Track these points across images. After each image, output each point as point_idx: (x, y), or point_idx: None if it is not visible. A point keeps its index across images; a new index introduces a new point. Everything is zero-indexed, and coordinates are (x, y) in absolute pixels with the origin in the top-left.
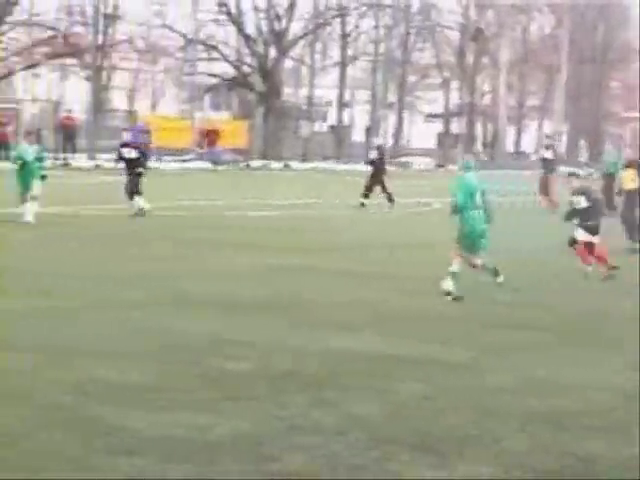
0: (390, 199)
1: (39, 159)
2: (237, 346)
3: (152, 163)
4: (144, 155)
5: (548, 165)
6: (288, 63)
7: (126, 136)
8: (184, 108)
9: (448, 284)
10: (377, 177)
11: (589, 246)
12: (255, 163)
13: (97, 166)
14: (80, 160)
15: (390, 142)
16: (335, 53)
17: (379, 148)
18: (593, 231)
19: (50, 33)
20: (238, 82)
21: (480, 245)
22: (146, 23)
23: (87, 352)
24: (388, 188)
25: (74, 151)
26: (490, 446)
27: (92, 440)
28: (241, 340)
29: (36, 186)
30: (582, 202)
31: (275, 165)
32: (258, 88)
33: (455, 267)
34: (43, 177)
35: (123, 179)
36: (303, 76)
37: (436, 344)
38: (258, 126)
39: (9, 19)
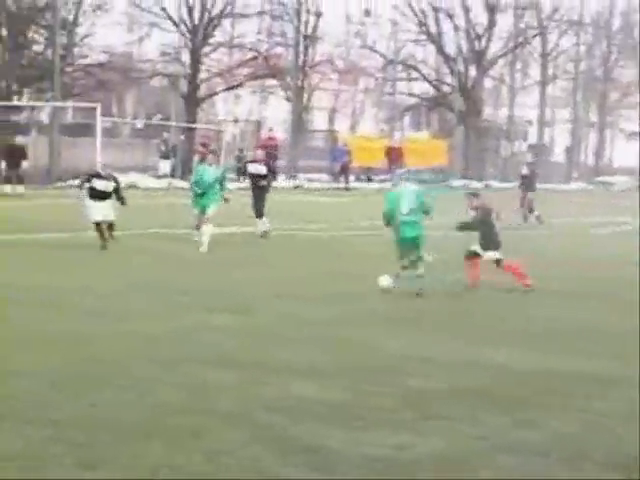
0: (530, 215)
1: (221, 180)
2: (425, 363)
3: (353, 183)
4: (271, 171)
5: None
6: (488, 82)
7: (258, 153)
8: (383, 128)
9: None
10: (526, 193)
11: (497, 262)
12: (456, 182)
13: (297, 186)
14: (280, 180)
15: (591, 161)
16: (535, 72)
17: (530, 165)
18: (488, 247)
19: (251, 54)
20: (438, 101)
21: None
22: (346, 44)
23: (284, 368)
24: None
25: (274, 172)
26: None
27: (291, 457)
28: (430, 357)
29: (212, 209)
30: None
31: (476, 184)
32: (458, 107)
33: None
34: (225, 200)
35: (321, 199)
36: (503, 95)
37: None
38: (458, 145)
39: (211, 40)
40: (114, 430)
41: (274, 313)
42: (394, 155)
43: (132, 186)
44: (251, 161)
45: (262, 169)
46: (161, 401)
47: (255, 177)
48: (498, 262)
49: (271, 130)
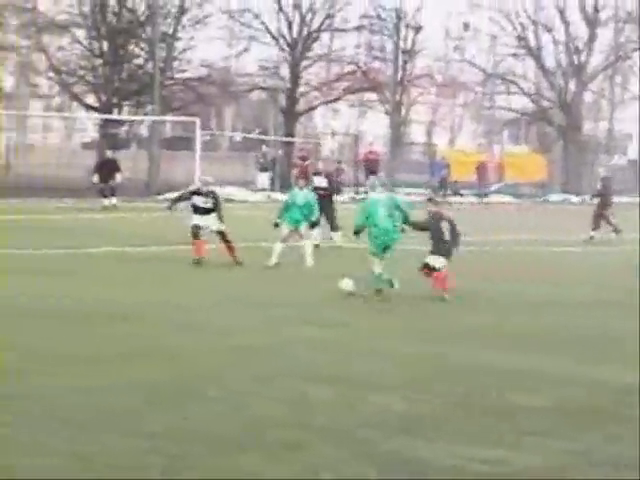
0: (616, 230)
1: (308, 205)
2: (528, 378)
3: (452, 198)
4: (333, 185)
5: None
6: (588, 96)
7: (321, 165)
8: (482, 142)
9: None
10: (601, 209)
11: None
12: (554, 197)
13: None
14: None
15: None
16: (635, 86)
17: (605, 180)
18: (436, 252)
19: (349, 68)
20: (537, 116)
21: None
22: (445, 58)
23: (376, 382)
24: (612, 220)
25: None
26: None
27: (392, 472)
28: (521, 371)
29: (304, 225)
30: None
31: (575, 199)
32: (557, 122)
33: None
34: (313, 224)
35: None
36: (603, 109)
37: None
38: (557, 160)
39: (310, 54)
40: (208, 442)
41: (367, 326)
42: (483, 170)
43: (229, 199)
44: (315, 173)
45: (323, 182)
46: (256, 414)
47: (318, 190)
48: (433, 269)
49: (371, 144)
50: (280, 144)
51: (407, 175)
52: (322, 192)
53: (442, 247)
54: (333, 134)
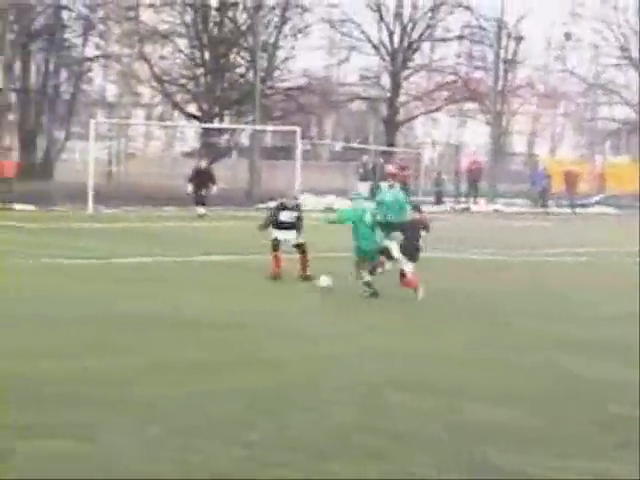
0: None
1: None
2: (621, 389)
3: (552, 209)
4: (406, 192)
5: None
6: None
7: (389, 171)
8: (583, 153)
9: None
10: None
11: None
12: None
13: (495, 210)
14: (480, 204)
15: None
16: None
17: None
18: (405, 254)
19: (450, 78)
20: (639, 125)
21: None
22: (546, 68)
23: (471, 392)
24: None
25: (477, 195)
26: None
27: None
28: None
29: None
30: None
31: None
32: None
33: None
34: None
35: (519, 223)
36: None
37: None
38: None
39: (410, 64)
40: (302, 450)
41: (462, 336)
42: (571, 180)
43: (329, 208)
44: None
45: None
46: (344, 422)
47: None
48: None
49: (474, 154)
50: (380, 153)
51: (507, 185)
52: None
53: (412, 253)
54: (433, 144)
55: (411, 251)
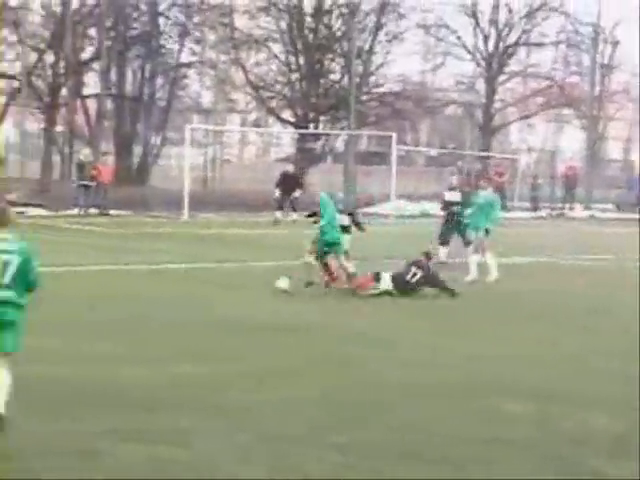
0: None
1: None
2: None
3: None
4: (466, 199)
5: None
6: None
7: (455, 180)
8: None
9: None
10: None
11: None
12: None
13: (591, 216)
14: (576, 210)
15: None
16: None
17: None
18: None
19: (546, 83)
20: None
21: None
22: None
23: (578, 399)
24: None
25: (573, 201)
26: None
27: None
28: None
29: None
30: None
31: None
32: None
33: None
34: (487, 231)
35: (615, 230)
36: None
37: None
38: None
39: (506, 70)
40: (397, 457)
41: (578, 344)
42: None
43: (425, 214)
44: (450, 189)
45: (457, 196)
46: (450, 428)
47: (448, 204)
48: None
49: (571, 159)
50: (476, 159)
51: (603, 191)
52: (454, 208)
53: (405, 285)
54: (529, 150)
55: (399, 284)
